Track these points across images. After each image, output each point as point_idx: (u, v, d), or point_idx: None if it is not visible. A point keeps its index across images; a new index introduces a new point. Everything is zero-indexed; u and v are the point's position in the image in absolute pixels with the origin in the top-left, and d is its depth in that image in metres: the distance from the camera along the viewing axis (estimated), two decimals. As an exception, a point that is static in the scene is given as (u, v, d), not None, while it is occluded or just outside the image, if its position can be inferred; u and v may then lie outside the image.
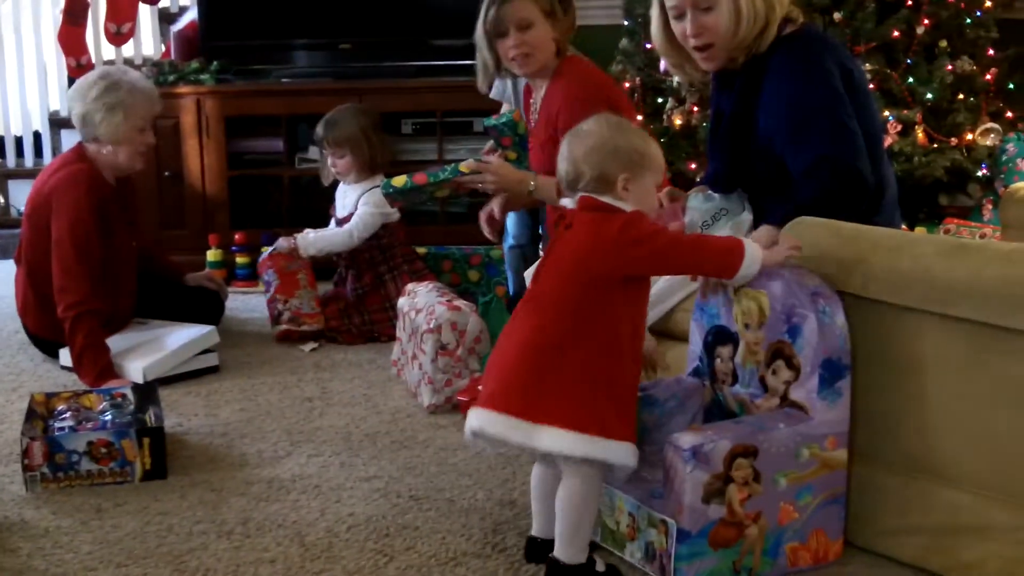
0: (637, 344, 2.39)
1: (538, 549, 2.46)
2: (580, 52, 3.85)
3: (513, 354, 2.34)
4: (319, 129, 4.40)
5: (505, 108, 4.26)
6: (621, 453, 2.29)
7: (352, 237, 4.29)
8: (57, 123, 6.03)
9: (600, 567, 2.38)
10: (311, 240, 4.32)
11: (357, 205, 4.34)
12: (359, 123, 4.35)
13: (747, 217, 2.85)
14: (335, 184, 4.50)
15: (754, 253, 2.37)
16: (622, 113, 3.43)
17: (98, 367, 3.67)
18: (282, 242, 4.35)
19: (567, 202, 2.44)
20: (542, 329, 2.33)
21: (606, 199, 2.36)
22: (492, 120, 4.00)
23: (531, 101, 3.82)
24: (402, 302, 3.72)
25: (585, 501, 2.32)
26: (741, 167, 2.95)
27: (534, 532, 2.49)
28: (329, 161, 4.41)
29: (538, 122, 3.70)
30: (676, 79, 4.75)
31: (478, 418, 2.32)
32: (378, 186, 4.29)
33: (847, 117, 2.75)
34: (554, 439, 2.26)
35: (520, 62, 3.63)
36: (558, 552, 2.34)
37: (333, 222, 4.51)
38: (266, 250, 4.40)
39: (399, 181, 3.75)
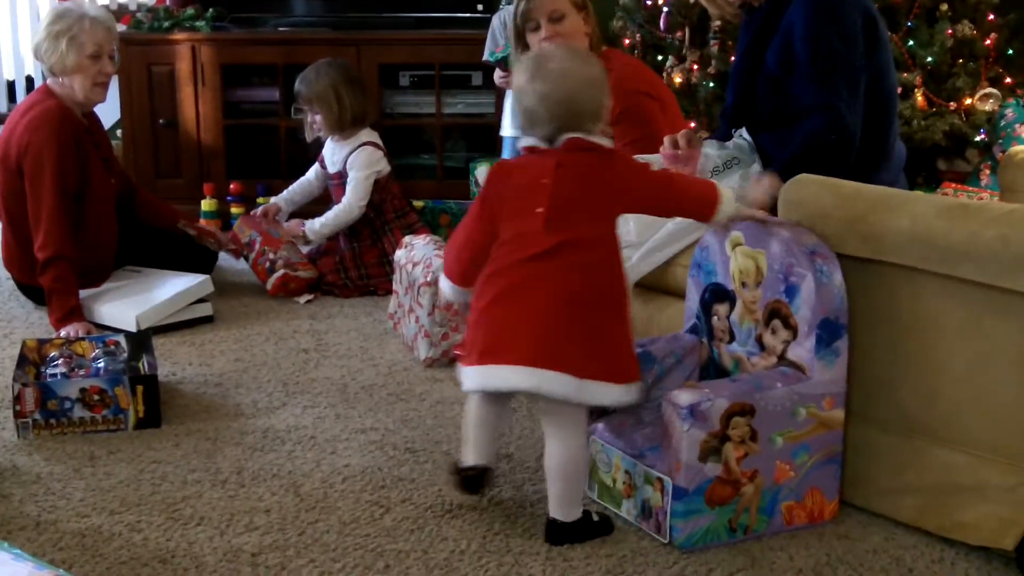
0: None
1: (482, 476, 2.46)
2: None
3: (549, 307, 2.31)
4: (295, 87, 4.38)
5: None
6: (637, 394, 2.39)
7: (354, 208, 4.28)
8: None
9: (595, 517, 2.42)
10: (318, 229, 4.30)
11: (345, 165, 4.32)
12: (329, 79, 4.30)
13: (758, 168, 2.85)
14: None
15: (728, 203, 2.42)
16: (667, 103, 3.47)
17: (63, 310, 3.67)
18: (293, 226, 4.34)
19: (534, 140, 2.41)
20: (577, 280, 2.33)
21: (594, 139, 2.37)
22: (497, 54, 4.13)
23: None
24: (399, 255, 3.71)
25: (582, 460, 2.38)
26: (747, 101, 2.97)
27: (476, 461, 2.46)
28: (309, 118, 4.39)
29: None
30: (676, 36, 4.73)
31: (530, 376, 2.28)
32: (365, 144, 4.28)
33: (857, 70, 2.77)
34: (603, 393, 2.31)
35: None
36: (560, 514, 2.37)
37: (311, 171, 4.52)
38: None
39: None
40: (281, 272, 4.15)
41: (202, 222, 4.79)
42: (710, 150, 2.94)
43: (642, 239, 2.80)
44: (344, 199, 4.29)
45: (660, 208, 2.51)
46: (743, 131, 3.00)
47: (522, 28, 3.64)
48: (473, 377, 2.38)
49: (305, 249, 4.34)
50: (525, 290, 2.34)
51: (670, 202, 2.45)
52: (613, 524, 2.44)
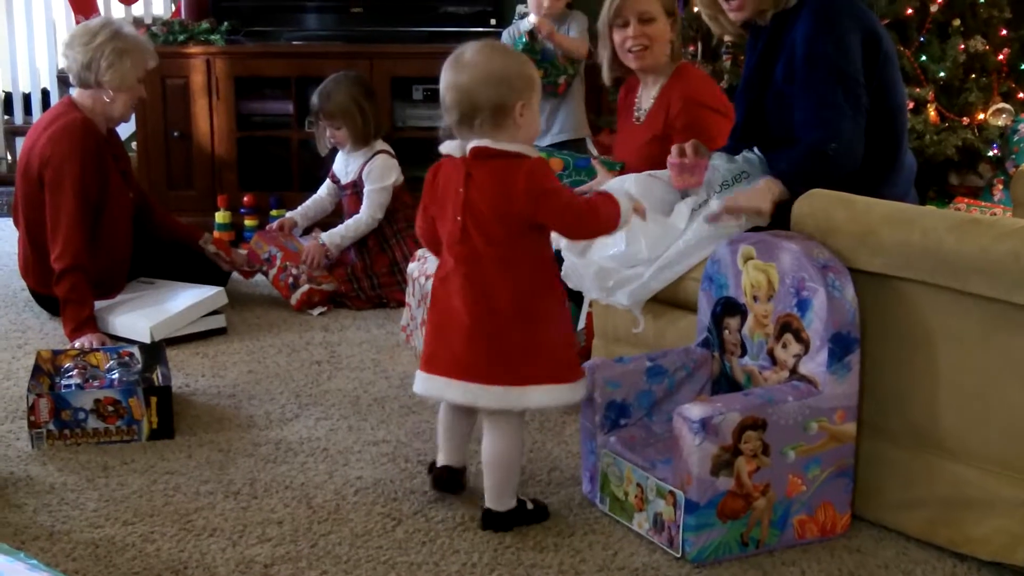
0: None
1: (451, 476, 2.62)
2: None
3: (473, 318, 2.40)
4: (313, 100, 4.39)
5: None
6: (583, 388, 2.50)
7: (374, 220, 4.30)
8: (65, 80, 5.97)
9: (529, 506, 2.54)
10: (339, 243, 4.31)
11: (360, 175, 4.33)
12: (351, 93, 4.32)
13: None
14: (334, 148, 4.50)
15: (626, 215, 2.48)
16: (732, 119, 3.50)
17: (77, 321, 3.69)
18: (313, 248, 4.30)
19: (452, 146, 2.46)
20: (498, 292, 2.40)
21: (502, 145, 2.39)
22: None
23: (635, 97, 3.80)
24: (412, 267, 3.72)
25: (515, 454, 2.49)
26: (756, 119, 2.97)
27: (445, 462, 2.63)
28: (328, 132, 4.40)
29: (646, 119, 3.69)
30: (688, 50, 4.73)
31: (464, 391, 2.42)
32: (378, 152, 4.29)
33: (855, 83, 2.76)
34: (543, 396, 2.41)
35: (636, 54, 3.65)
36: (494, 504, 2.50)
37: (323, 187, 4.53)
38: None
39: (556, 166, 3.79)
40: (306, 287, 4.17)
41: (216, 235, 4.83)
42: (719, 162, 2.94)
43: (653, 255, 2.80)
44: (362, 211, 4.30)
45: (567, 231, 2.53)
46: (754, 147, 3.00)
47: (611, 24, 3.67)
48: (418, 383, 2.52)
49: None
50: (451, 301, 2.44)
51: (575, 225, 2.47)
52: (548, 511, 2.56)
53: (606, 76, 3.86)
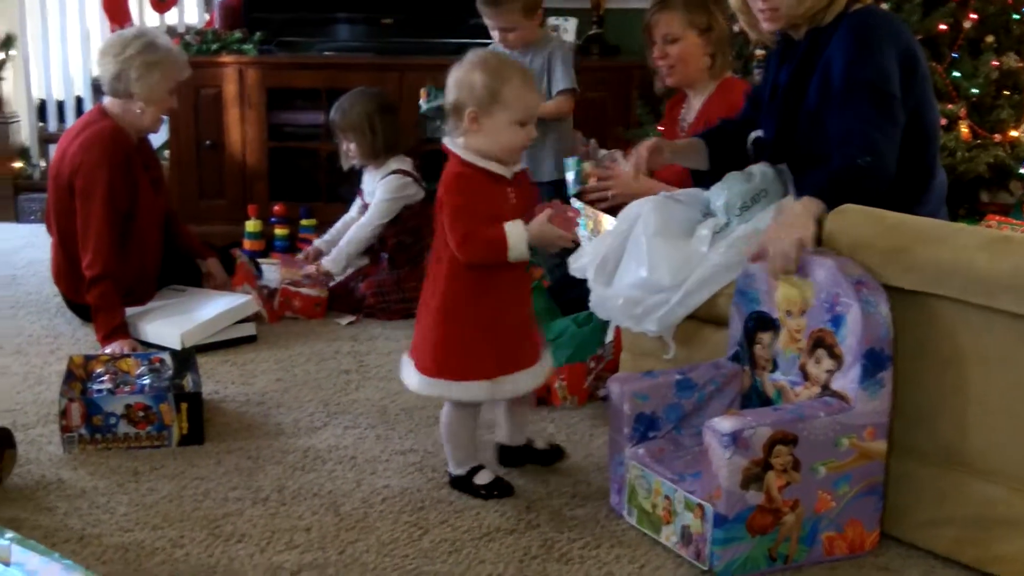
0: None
1: (508, 453, 2.88)
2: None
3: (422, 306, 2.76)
4: (331, 114, 4.41)
5: None
6: (462, 391, 2.66)
7: (373, 228, 4.31)
8: (99, 88, 6.02)
9: (483, 479, 2.72)
10: (336, 260, 4.32)
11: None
12: (364, 109, 4.33)
13: (791, 201, 2.82)
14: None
15: (517, 242, 2.57)
16: None
17: (108, 328, 3.71)
18: (306, 273, 4.30)
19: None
20: (435, 284, 2.70)
21: (448, 142, 2.64)
22: (424, 103, 4.44)
23: (681, 110, 3.81)
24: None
25: (449, 429, 2.73)
26: (788, 137, 2.95)
27: (499, 440, 2.89)
28: (344, 147, 4.42)
29: (688, 133, 3.68)
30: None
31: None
32: (394, 172, 4.30)
33: (891, 99, 2.74)
34: (410, 378, 2.72)
35: (665, 71, 3.72)
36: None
37: (354, 207, 4.54)
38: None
39: None
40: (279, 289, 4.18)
41: (246, 244, 4.86)
42: (733, 183, 2.89)
43: (676, 281, 2.77)
44: (364, 219, 4.32)
45: (452, 245, 2.62)
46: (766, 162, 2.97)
47: (646, 38, 3.73)
48: None
49: (339, 278, 4.36)
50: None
51: (454, 244, 2.60)
52: (511, 490, 2.73)
53: (657, 87, 3.88)
